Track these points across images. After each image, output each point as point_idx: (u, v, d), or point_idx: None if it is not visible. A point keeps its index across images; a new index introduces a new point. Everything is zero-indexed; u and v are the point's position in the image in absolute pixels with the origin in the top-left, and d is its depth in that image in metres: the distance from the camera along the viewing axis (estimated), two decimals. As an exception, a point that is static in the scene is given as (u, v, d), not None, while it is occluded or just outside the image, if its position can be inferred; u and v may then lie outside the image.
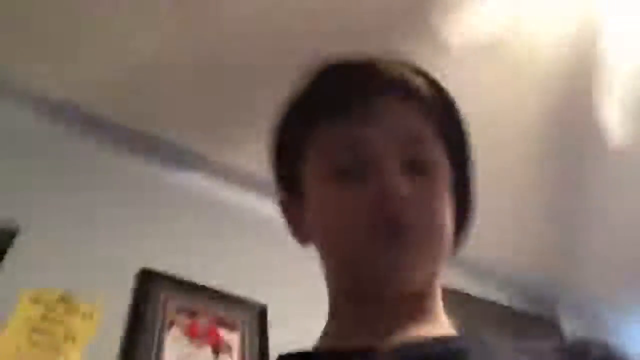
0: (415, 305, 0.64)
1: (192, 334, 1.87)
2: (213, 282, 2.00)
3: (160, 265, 1.96)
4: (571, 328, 2.80)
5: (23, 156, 1.97)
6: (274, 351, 1.88)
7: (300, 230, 0.72)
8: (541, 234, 2.62)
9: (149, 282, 1.92)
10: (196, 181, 2.28)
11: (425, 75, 0.70)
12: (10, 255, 1.78)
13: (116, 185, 2.09)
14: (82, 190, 2.01)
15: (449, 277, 0.75)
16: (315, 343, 0.67)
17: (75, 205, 1.96)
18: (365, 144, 0.64)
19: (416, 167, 0.64)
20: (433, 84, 0.70)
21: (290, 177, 0.72)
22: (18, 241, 1.81)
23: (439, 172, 0.66)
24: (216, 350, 1.88)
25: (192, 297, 1.95)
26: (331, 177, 0.64)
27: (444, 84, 0.71)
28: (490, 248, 2.58)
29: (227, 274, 2.03)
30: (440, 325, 0.65)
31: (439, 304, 0.67)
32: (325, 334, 0.68)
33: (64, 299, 1.78)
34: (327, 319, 0.69)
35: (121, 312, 1.84)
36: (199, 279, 1.99)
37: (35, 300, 1.75)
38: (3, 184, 1.87)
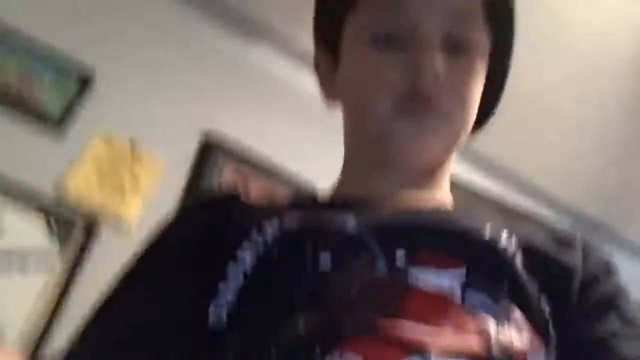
0: (425, 176, 0.66)
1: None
2: (269, 156, 2.07)
3: (222, 130, 2.03)
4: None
5: (106, 11, 2.03)
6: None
7: (329, 89, 0.72)
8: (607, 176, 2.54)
9: (210, 146, 2.01)
10: (268, 57, 2.28)
11: None
12: (85, 100, 1.89)
13: (191, 51, 2.13)
14: (158, 48, 2.06)
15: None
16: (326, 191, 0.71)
17: (150, 61, 2.03)
18: (411, 12, 0.63)
19: (457, 45, 0.63)
20: None
21: (328, 36, 0.70)
22: (94, 87, 1.91)
23: (478, 54, 0.65)
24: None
25: (247, 166, 2.04)
26: (369, 41, 0.64)
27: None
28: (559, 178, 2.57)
29: (284, 151, 2.09)
30: (441, 196, 0.67)
31: (446, 180, 0.69)
32: (335, 185, 0.71)
33: (132, 147, 1.89)
34: (340, 171, 0.71)
35: (181, 170, 1.94)
36: (256, 150, 2.06)
37: (107, 143, 1.87)
38: (86, 34, 1.94)
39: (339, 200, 0.66)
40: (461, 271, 0.52)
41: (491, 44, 0.67)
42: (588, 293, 0.57)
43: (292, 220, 0.56)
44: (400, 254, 0.52)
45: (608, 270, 0.61)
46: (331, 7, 0.70)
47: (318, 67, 0.74)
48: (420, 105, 0.61)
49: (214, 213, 0.63)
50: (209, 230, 0.60)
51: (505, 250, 0.56)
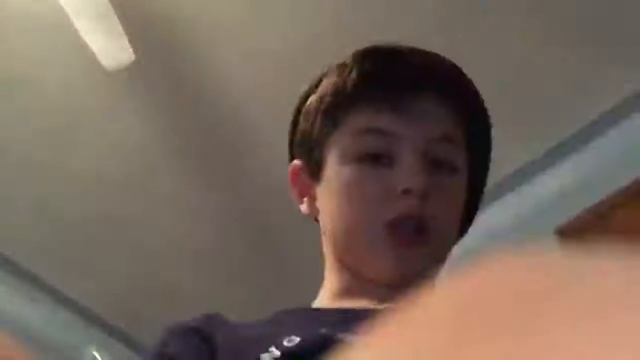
0: (414, 287, 0.65)
1: None
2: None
3: None
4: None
5: None
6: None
7: (310, 204, 0.72)
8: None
9: None
10: None
11: (464, 76, 0.70)
12: None
13: None
14: None
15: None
16: (314, 303, 0.71)
17: None
18: (400, 137, 0.64)
19: (440, 165, 0.65)
20: (471, 87, 0.70)
21: (307, 153, 0.71)
22: None
23: (460, 174, 0.67)
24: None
25: None
26: (355, 160, 0.65)
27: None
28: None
29: None
30: None
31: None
32: (321, 297, 0.71)
33: None
34: (324, 286, 0.72)
35: None
36: None
37: None
38: None
39: (332, 314, 0.65)
40: None
41: (469, 163, 0.69)
42: None
43: (292, 342, 0.54)
44: None
45: None
46: (311, 129, 0.70)
47: (295, 182, 0.74)
48: (408, 238, 0.62)
49: (203, 333, 0.61)
50: (202, 352, 0.58)
51: None
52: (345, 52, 0.71)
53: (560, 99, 2.24)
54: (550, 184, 2.38)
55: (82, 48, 1.83)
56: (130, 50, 1.80)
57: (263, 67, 2.08)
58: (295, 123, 0.74)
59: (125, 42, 1.77)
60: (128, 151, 2.22)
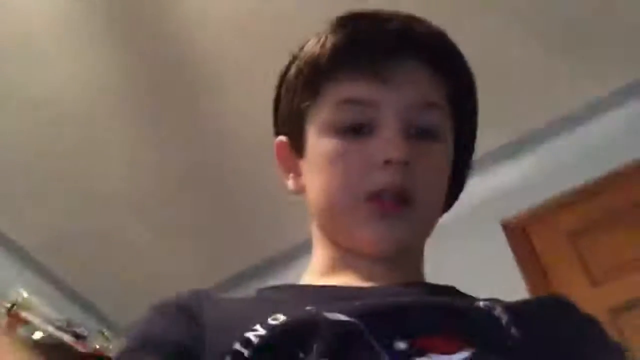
0: (399, 262, 0.65)
1: None
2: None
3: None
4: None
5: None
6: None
7: (296, 179, 0.71)
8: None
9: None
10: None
11: (446, 39, 0.68)
12: None
13: None
14: None
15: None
16: (300, 280, 0.70)
17: None
18: (379, 105, 0.63)
19: (423, 132, 0.64)
20: (453, 49, 0.69)
21: (289, 127, 0.70)
22: None
23: (444, 141, 0.66)
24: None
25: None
26: (335, 132, 0.64)
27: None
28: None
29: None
30: (416, 271, 0.69)
31: (421, 261, 0.70)
32: (308, 273, 0.70)
33: None
34: (311, 262, 0.71)
35: None
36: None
37: None
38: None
39: (318, 291, 0.64)
40: (466, 353, 0.50)
41: (455, 129, 0.68)
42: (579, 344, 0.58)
43: (277, 320, 0.52)
44: (399, 345, 0.50)
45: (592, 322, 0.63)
46: (291, 103, 0.69)
47: (281, 158, 0.73)
48: (392, 205, 0.61)
49: (190, 312, 0.59)
50: (189, 331, 0.56)
51: (500, 319, 0.56)
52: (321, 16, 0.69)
53: (525, 94, 2.26)
54: (502, 176, 2.42)
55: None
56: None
57: (226, 9, 2.01)
58: (278, 96, 0.73)
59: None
60: (79, 85, 2.12)
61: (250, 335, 0.51)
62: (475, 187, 2.30)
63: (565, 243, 2.16)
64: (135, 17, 2.01)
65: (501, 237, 2.25)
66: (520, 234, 2.26)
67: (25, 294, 2.11)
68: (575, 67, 2.20)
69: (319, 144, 0.65)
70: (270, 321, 0.52)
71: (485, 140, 2.46)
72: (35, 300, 2.14)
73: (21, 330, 2.05)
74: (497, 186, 2.39)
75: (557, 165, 2.30)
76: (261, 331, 0.52)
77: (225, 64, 2.12)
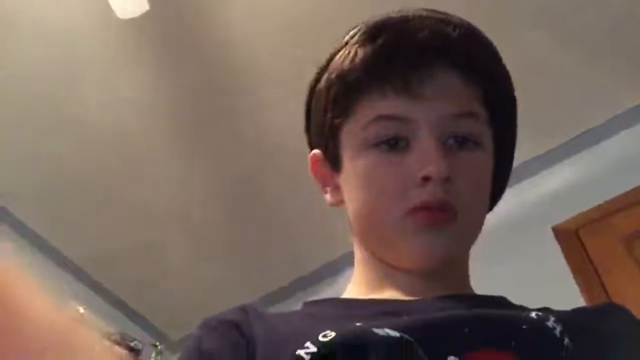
0: (444, 274, 0.64)
1: None
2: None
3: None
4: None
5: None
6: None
7: (333, 193, 0.70)
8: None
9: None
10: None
11: (480, 41, 0.66)
12: None
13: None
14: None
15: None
16: (344, 294, 0.69)
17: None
18: (414, 120, 0.61)
19: (462, 143, 0.62)
20: (489, 53, 0.66)
21: (323, 142, 0.68)
22: None
23: (483, 149, 0.64)
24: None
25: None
26: (372, 147, 0.62)
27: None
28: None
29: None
30: (462, 282, 0.67)
31: (467, 271, 0.69)
32: (353, 286, 0.69)
33: None
34: (354, 276, 0.70)
35: None
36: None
37: None
38: None
39: (365, 306, 0.63)
40: None
41: (494, 134, 0.66)
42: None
43: (327, 337, 0.51)
44: None
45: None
46: (323, 117, 0.67)
47: (316, 171, 0.72)
48: (435, 219, 0.59)
49: (240, 328, 0.59)
50: (241, 347, 0.56)
51: (554, 329, 0.54)
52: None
53: (577, 95, 2.22)
54: (552, 181, 2.37)
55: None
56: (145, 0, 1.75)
57: (270, 29, 2.03)
58: (308, 107, 0.71)
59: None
60: (126, 105, 2.17)
61: (301, 352, 0.51)
62: (526, 191, 2.31)
63: (620, 248, 2.09)
64: (179, 40, 2.06)
65: (553, 243, 2.20)
66: (573, 239, 2.19)
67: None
68: (630, 68, 2.14)
69: (354, 161, 0.64)
70: (321, 338, 0.52)
71: (535, 144, 2.45)
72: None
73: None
74: (548, 190, 2.34)
75: (610, 168, 2.23)
76: (312, 348, 0.51)
77: (265, 82, 2.15)
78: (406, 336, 0.50)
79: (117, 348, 2.18)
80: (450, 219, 0.60)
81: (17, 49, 1.99)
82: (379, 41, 0.63)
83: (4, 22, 1.93)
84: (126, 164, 2.33)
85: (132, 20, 1.82)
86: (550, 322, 0.54)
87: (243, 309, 0.62)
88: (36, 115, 2.15)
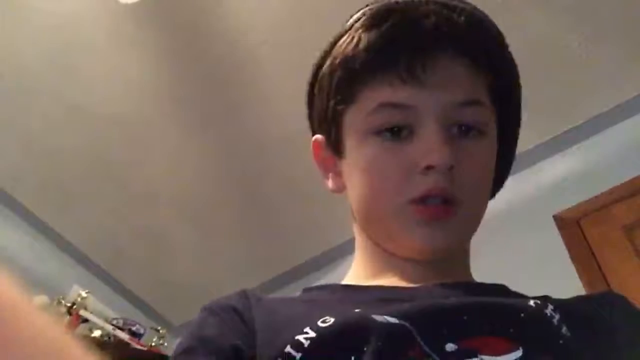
0: (445, 262, 0.64)
1: None
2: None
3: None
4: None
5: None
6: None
7: (335, 179, 0.69)
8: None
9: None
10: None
11: (485, 28, 0.65)
12: None
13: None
14: None
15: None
16: (344, 280, 0.69)
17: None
18: (417, 108, 0.60)
19: (466, 130, 0.61)
20: (495, 40, 0.65)
21: (327, 123, 0.67)
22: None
23: (487, 137, 0.63)
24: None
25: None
26: (376, 135, 0.61)
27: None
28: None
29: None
30: (463, 270, 0.68)
31: (468, 259, 0.69)
32: (353, 273, 0.69)
33: None
34: (354, 262, 0.70)
35: None
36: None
37: None
38: None
39: (365, 292, 0.63)
40: (517, 353, 0.49)
41: (499, 121, 0.65)
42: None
43: (326, 322, 0.52)
44: (450, 347, 0.49)
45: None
46: (327, 103, 0.66)
47: (319, 157, 0.71)
48: (438, 209, 0.59)
49: (240, 314, 0.59)
50: (241, 332, 0.57)
51: (552, 318, 0.54)
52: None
53: (580, 84, 2.21)
54: (554, 169, 2.36)
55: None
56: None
57: (273, 20, 2.03)
58: (311, 93, 0.70)
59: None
60: (127, 89, 2.17)
61: (300, 337, 0.51)
62: (528, 180, 2.31)
63: (621, 236, 2.09)
64: (186, 31, 2.05)
65: (554, 231, 2.20)
66: (574, 228, 2.20)
67: (84, 294, 2.17)
68: (632, 57, 2.13)
69: (357, 148, 0.63)
70: (320, 323, 0.52)
71: (538, 132, 2.43)
72: (93, 299, 2.21)
73: (81, 328, 2.11)
74: (550, 179, 2.34)
75: (612, 158, 2.23)
76: (311, 334, 0.51)
77: (267, 71, 2.14)
78: (405, 323, 0.50)
79: (119, 332, 2.19)
80: (452, 212, 0.59)
81: (19, 37, 1.99)
82: (384, 27, 0.62)
83: (6, 11, 1.93)
84: (128, 149, 2.33)
85: (134, 7, 1.82)
86: (549, 310, 0.54)
87: (243, 294, 0.62)
88: (39, 103, 2.15)
